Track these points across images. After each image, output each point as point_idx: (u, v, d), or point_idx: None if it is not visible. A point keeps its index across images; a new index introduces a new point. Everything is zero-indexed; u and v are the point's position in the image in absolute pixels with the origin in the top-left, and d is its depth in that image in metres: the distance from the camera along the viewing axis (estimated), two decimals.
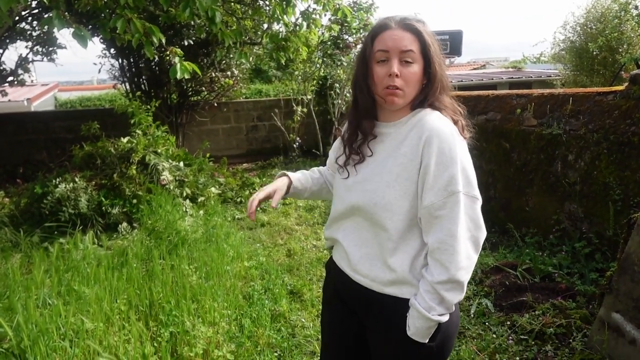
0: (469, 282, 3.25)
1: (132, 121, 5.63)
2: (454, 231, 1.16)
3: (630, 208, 2.98)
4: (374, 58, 1.27)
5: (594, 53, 10.61)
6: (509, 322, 2.73)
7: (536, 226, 3.85)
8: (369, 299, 1.32)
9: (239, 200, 5.89)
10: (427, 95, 1.27)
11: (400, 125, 1.29)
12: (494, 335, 2.63)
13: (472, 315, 2.87)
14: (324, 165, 1.66)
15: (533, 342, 2.52)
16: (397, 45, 1.23)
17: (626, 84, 3.32)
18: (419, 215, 1.23)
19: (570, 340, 2.50)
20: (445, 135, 1.19)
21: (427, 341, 1.23)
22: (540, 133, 3.80)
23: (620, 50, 10.26)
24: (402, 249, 1.25)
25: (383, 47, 1.24)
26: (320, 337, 1.60)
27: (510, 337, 2.59)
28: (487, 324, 2.76)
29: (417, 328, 1.21)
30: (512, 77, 13.12)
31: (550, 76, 13.31)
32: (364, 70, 1.30)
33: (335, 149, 1.48)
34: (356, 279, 1.34)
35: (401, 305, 1.26)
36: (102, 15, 3.58)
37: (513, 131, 4.11)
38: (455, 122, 1.26)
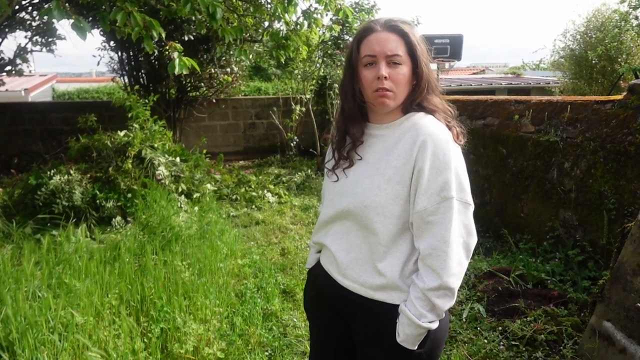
0: (462, 287, 3.25)
1: (130, 115, 5.60)
2: (447, 237, 1.16)
3: (624, 217, 2.99)
4: (361, 62, 1.26)
5: (593, 62, 10.66)
6: (500, 328, 2.73)
7: (530, 232, 3.85)
8: (357, 304, 1.30)
9: (234, 197, 5.87)
10: (415, 95, 1.27)
11: (394, 128, 1.28)
12: (485, 341, 2.63)
13: (464, 320, 2.87)
14: (321, 163, 1.66)
15: (524, 348, 2.52)
16: (384, 49, 1.22)
17: (624, 93, 3.33)
18: (410, 220, 1.22)
19: (561, 348, 2.50)
20: (439, 140, 1.19)
21: (415, 348, 1.22)
22: (537, 140, 3.81)
23: (619, 59, 10.31)
24: (393, 254, 1.24)
25: (370, 52, 1.23)
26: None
27: (501, 343, 2.59)
28: (478, 328, 2.77)
29: (407, 335, 1.20)
30: (511, 83, 13.16)
31: (549, 83, 13.36)
32: (350, 75, 1.30)
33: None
34: (345, 284, 1.32)
35: (390, 311, 1.25)
36: (103, 7, 3.56)
37: (510, 137, 4.11)
38: (450, 128, 1.26)
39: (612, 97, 3.48)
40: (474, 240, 1.22)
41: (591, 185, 3.32)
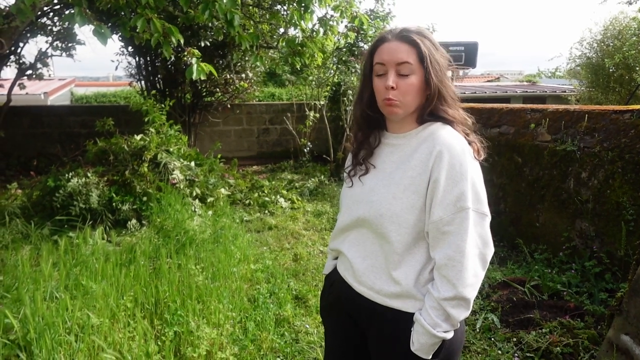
0: (476, 296, 3.22)
1: (146, 119, 5.69)
2: (462, 247, 1.16)
3: None
4: (373, 71, 1.29)
5: (610, 70, 10.51)
6: (515, 339, 2.70)
7: (546, 242, 3.81)
8: (372, 312, 1.30)
9: (247, 202, 5.91)
10: (426, 105, 1.27)
11: (410, 138, 1.29)
12: (499, 352, 2.60)
13: (477, 330, 2.84)
14: (334, 169, 1.68)
15: None
16: (393, 58, 1.23)
17: None
18: (426, 229, 1.22)
19: None
20: (456, 150, 1.19)
21: (430, 357, 1.22)
22: (553, 149, 3.77)
23: (637, 68, 10.15)
24: (408, 262, 1.25)
25: (380, 61, 1.26)
26: (324, 344, 1.59)
27: (515, 354, 2.56)
28: (492, 339, 2.74)
29: (421, 344, 1.20)
30: (526, 91, 13.05)
31: (565, 91, 13.21)
32: (363, 83, 1.33)
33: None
34: (360, 291, 1.33)
35: (405, 319, 1.25)
36: (123, 13, 3.63)
37: (526, 146, 4.08)
38: (470, 143, 1.25)
39: (630, 107, 3.43)
40: (490, 251, 1.21)
41: (609, 195, 3.28)
